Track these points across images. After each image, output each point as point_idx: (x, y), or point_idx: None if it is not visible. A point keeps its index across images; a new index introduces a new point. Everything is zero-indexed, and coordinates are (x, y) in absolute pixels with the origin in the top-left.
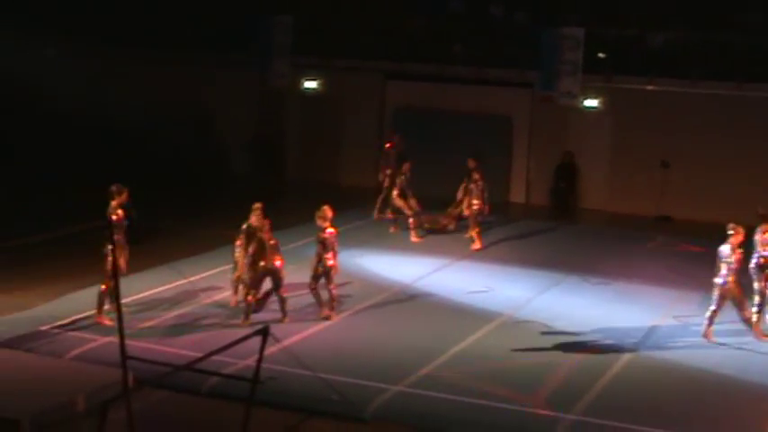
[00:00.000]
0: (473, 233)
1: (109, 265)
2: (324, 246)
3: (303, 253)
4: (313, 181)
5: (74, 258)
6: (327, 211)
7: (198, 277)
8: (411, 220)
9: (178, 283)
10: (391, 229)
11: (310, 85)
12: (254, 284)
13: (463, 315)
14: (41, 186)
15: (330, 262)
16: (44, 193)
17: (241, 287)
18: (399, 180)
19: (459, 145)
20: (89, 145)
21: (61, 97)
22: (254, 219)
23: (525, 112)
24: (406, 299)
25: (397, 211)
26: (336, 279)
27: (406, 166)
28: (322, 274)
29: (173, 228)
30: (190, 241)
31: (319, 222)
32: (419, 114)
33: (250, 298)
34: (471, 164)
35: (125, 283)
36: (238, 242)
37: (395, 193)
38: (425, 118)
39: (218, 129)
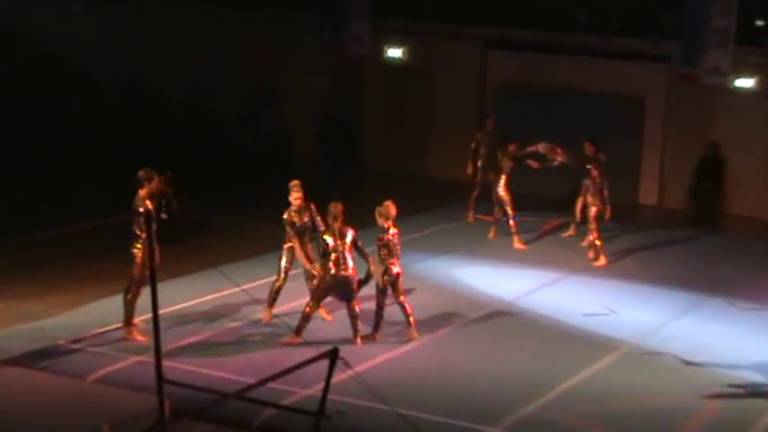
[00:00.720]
0: (592, 242)
1: (137, 269)
2: (389, 250)
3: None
4: (395, 171)
5: (96, 258)
6: (391, 207)
7: (253, 285)
8: (512, 221)
9: (228, 291)
10: (491, 234)
11: (394, 54)
12: (318, 295)
13: (577, 342)
14: (62, 171)
15: (396, 269)
16: (64, 180)
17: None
18: (506, 164)
19: (576, 132)
20: (122, 121)
21: (89, 65)
22: (296, 205)
23: (660, 93)
24: (505, 320)
25: (501, 206)
26: (423, 295)
27: (513, 147)
28: (388, 284)
29: (223, 224)
30: (244, 241)
31: (380, 222)
32: (526, 93)
33: (308, 310)
34: (589, 149)
35: (161, 291)
36: (286, 245)
37: (502, 183)
38: (534, 98)
39: (280, 106)
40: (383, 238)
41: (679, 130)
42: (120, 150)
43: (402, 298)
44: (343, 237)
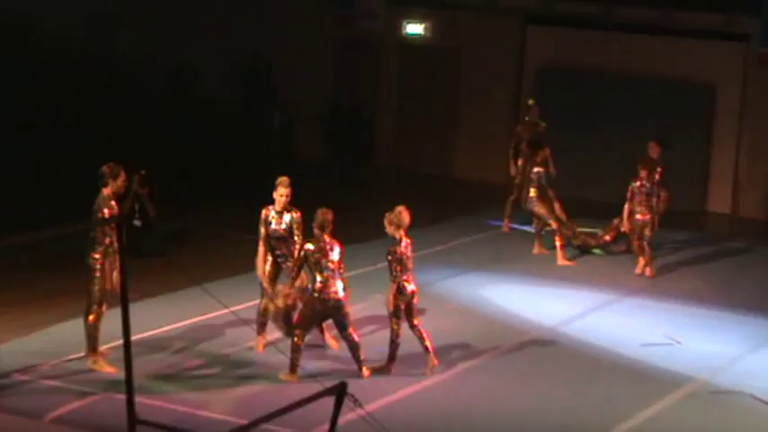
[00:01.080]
0: (639, 253)
1: (96, 284)
2: (400, 264)
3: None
4: (414, 172)
5: (63, 271)
6: (404, 214)
7: (243, 306)
8: (558, 234)
9: (214, 313)
10: (535, 249)
11: (414, 30)
12: (305, 322)
13: (634, 378)
14: (19, 167)
15: (411, 286)
16: (22, 178)
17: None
18: (536, 172)
19: (632, 125)
20: (88, 108)
21: (47, 42)
22: (279, 204)
23: (735, 79)
24: (546, 350)
25: (539, 219)
26: (447, 319)
27: (543, 153)
28: (401, 305)
29: (209, 233)
30: (233, 254)
31: (391, 231)
32: (572, 77)
33: (297, 341)
34: (654, 150)
35: (135, 312)
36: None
37: (532, 191)
38: (581, 84)
39: (280, 94)
40: (395, 251)
41: (757, 125)
42: (87, 144)
43: (416, 321)
44: (331, 252)
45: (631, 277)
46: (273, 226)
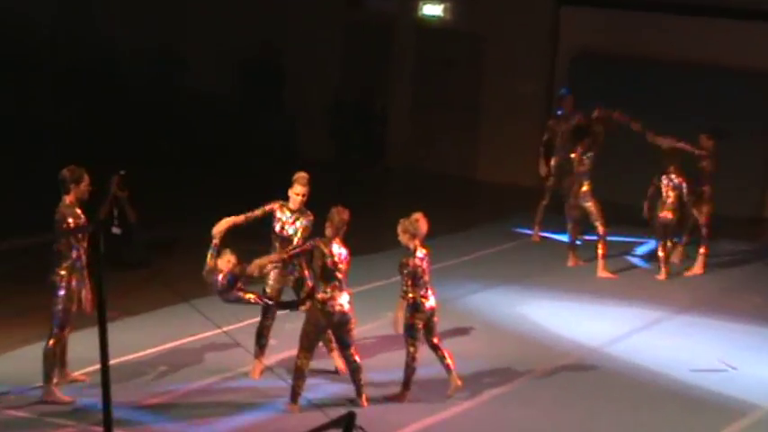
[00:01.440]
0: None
1: (61, 303)
2: (413, 278)
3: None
4: (430, 173)
5: (34, 286)
6: (421, 222)
7: (238, 325)
8: (602, 241)
9: (204, 333)
10: (570, 261)
11: (431, 12)
12: (308, 340)
13: (688, 406)
14: None
15: (429, 302)
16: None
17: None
18: (579, 166)
19: (679, 118)
20: (63, 101)
21: (17, 24)
22: (295, 203)
23: None
24: (586, 375)
25: (574, 222)
26: (472, 340)
27: (593, 137)
28: (419, 323)
29: (199, 241)
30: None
31: (405, 240)
32: (611, 65)
33: (300, 364)
34: (705, 142)
35: (114, 333)
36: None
37: (586, 185)
38: (623, 72)
39: (280, 85)
40: (408, 264)
41: None
42: (61, 142)
43: (436, 339)
44: (341, 259)
45: (682, 291)
46: (284, 227)
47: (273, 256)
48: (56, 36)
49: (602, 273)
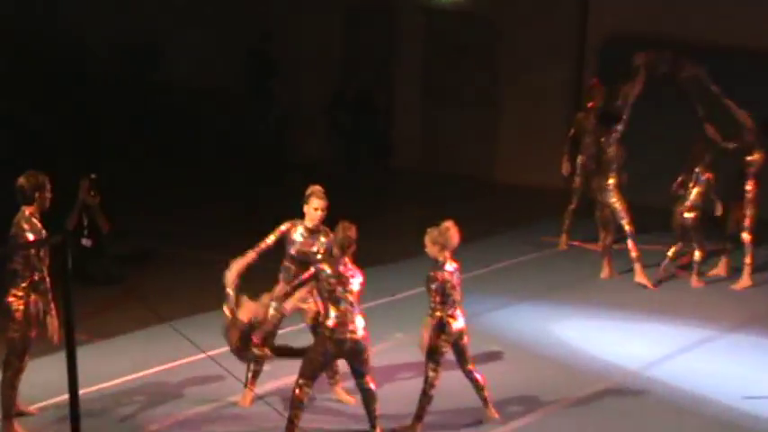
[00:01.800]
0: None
1: (18, 329)
2: (442, 295)
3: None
4: (443, 174)
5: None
6: (452, 232)
7: (224, 349)
8: (633, 240)
9: (186, 359)
10: (604, 272)
11: None
12: (312, 368)
13: None
14: None
15: (457, 324)
16: None
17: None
18: (605, 153)
19: (720, 107)
20: (28, 93)
21: None
22: (314, 219)
23: None
24: (629, 401)
25: (604, 226)
26: (496, 364)
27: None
28: (446, 346)
29: (180, 255)
30: (211, 281)
31: (433, 252)
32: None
33: (299, 392)
34: (749, 133)
35: (84, 359)
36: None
37: (612, 178)
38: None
39: (271, 75)
40: (437, 278)
41: None
42: (23, 140)
43: (471, 366)
44: (351, 280)
45: (731, 307)
46: (300, 247)
47: (274, 295)
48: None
49: (639, 277)
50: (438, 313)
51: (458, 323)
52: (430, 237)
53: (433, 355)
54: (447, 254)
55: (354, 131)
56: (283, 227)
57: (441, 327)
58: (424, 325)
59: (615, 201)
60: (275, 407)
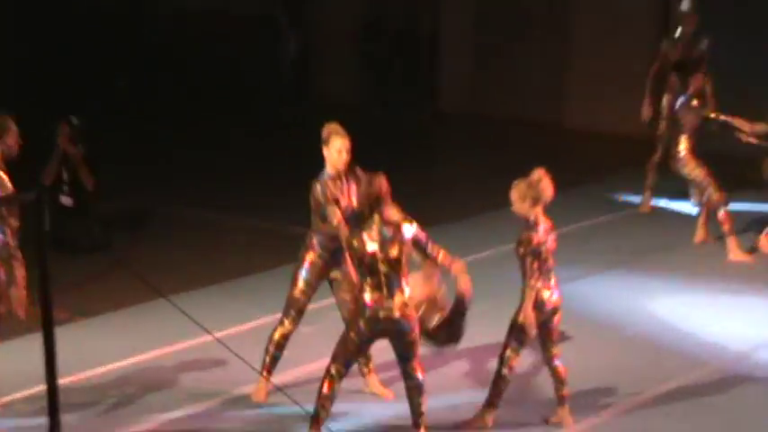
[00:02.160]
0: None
1: None
2: (539, 260)
3: (492, 280)
4: (499, 119)
5: None
6: (544, 182)
7: (233, 330)
8: (723, 214)
9: (188, 341)
10: (697, 236)
11: None
12: (346, 353)
13: None
14: None
15: (554, 297)
16: None
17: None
18: (690, 109)
19: None
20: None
21: None
22: (338, 163)
23: None
24: (738, 389)
25: (699, 188)
26: (576, 343)
27: (698, 82)
28: (532, 325)
29: (179, 216)
30: (218, 248)
31: (521, 209)
32: None
33: (329, 383)
34: None
35: (64, 341)
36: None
37: (683, 143)
38: None
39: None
40: (531, 240)
41: None
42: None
43: (555, 351)
44: (392, 239)
45: None
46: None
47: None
48: None
49: (734, 254)
50: (537, 283)
51: (554, 296)
52: (517, 191)
53: (518, 333)
54: (539, 210)
55: (391, 68)
56: (320, 194)
57: (537, 304)
58: (527, 298)
59: (692, 169)
60: (296, 399)
